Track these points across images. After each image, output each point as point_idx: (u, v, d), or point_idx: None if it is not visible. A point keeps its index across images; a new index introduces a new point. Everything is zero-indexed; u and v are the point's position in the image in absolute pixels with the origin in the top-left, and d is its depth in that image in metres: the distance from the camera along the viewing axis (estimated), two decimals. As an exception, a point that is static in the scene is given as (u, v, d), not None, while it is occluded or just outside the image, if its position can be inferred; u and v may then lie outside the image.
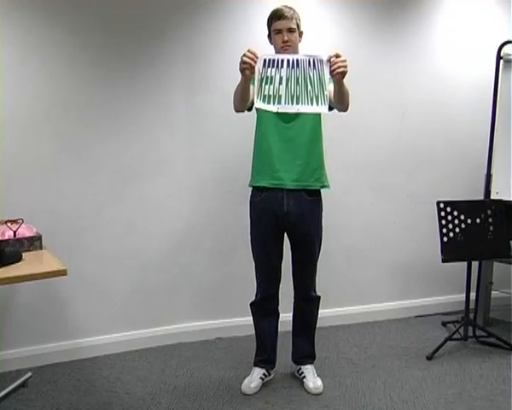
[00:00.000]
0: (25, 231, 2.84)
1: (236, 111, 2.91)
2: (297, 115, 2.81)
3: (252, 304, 3.13)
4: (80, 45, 3.35)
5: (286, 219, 2.90)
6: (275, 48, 2.92)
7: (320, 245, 3.06)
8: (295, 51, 2.87)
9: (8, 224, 2.80)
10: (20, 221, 2.84)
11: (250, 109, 2.93)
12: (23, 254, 2.61)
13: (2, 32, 3.17)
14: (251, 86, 2.75)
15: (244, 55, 2.59)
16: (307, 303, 3.12)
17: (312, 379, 3.09)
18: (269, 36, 2.97)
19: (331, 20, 3.89)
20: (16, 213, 2.89)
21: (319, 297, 3.13)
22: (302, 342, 3.19)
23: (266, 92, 2.64)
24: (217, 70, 3.66)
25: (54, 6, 3.27)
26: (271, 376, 3.19)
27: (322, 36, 3.82)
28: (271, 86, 2.64)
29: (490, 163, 3.76)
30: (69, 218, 3.40)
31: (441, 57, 4.16)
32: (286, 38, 2.85)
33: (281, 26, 2.86)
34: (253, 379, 3.09)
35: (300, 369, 3.17)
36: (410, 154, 4.14)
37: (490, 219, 3.50)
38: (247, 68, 2.59)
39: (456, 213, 3.46)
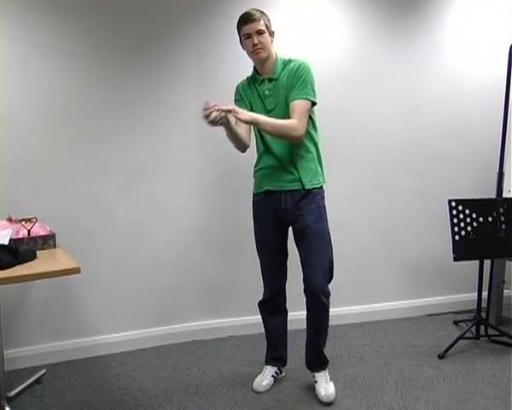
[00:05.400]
0: (39, 230, 2.87)
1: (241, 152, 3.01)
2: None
3: (259, 303, 3.14)
4: (91, 44, 3.39)
5: (285, 215, 2.92)
6: (247, 52, 2.90)
7: (328, 243, 2.92)
8: (268, 53, 2.84)
9: (23, 222, 2.84)
10: (34, 220, 2.87)
11: None
12: (37, 252, 2.64)
13: (12, 33, 3.21)
14: (242, 125, 2.83)
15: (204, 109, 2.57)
16: (316, 307, 2.94)
17: (324, 386, 2.98)
18: (240, 42, 2.92)
19: (341, 18, 3.89)
20: (30, 212, 2.92)
21: (328, 305, 2.94)
22: (312, 347, 3.07)
23: None
24: (228, 69, 3.67)
25: (64, 5, 3.30)
26: (283, 374, 3.20)
27: (332, 34, 3.84)
28: None
29: (502, 161, 3.74)
30: (82, 217, 3.43)
31: (452, 55, 4.14)
32: (256, 41, 2.79)
33: (249, 30, 2.80)
34: (265, 377, 3.10)
35: (313, 373, 3.08)
36: (422, 152, 4.13)
37: (502, 218, 3.48)
38: (211, 122, 2.59)
39: (467, 211, 3.45)
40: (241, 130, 2.87)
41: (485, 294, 3.79)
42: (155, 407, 2.91)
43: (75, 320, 3.49)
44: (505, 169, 3.74)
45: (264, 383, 3.08)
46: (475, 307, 3.67)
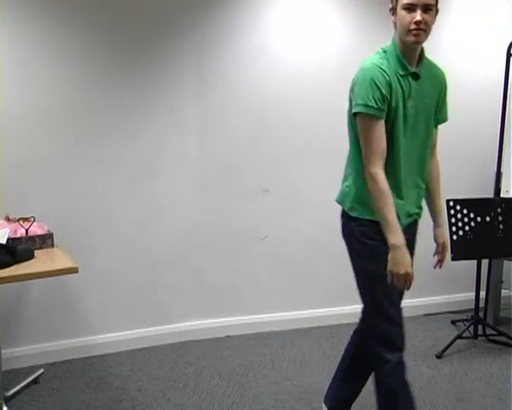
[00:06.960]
0: (36, 229, 2.87)
1: None
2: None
3: (397, 365, 2.31)
4: (90, 43, 3.38)
5: None
6: (399, 27, 2.13)
7: None
8: (426, 38, 2.12)
9: (21, 222, 2.83)
10: (32, 219, 2.87)
11: None
12: (35, 251, 2.65)
13: (12, 31, 3.21)
14: None
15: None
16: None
17: None
18: (392, 9, 2.18)
19: (339, 16, 3.88)
20: (28, 212, 2.92)
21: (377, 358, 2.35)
22: (350, 386, 2.58)
23: None
24: (227, 68, 3.67)
25: (63, 3, 3.29)
26: None
27: (330, 32, 3.82)
28: None
29: (500, 161, 3.75)
30: (80, 216, 3.43)
31: (451, 54, 4.13)
32: (420, 18, 2.02)
33: (415, 0, 2.03)
34: None
35: None
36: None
37: (500, 218, 3.49)
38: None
39: (465, 211, 3.45)
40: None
41: (482, 294, 3.80)
42: (153, 406, 2.91)
43: (73, 320, 3.49)
44: (503, 169, 3.75)
45: None
46: (473, 306, 3.68)
